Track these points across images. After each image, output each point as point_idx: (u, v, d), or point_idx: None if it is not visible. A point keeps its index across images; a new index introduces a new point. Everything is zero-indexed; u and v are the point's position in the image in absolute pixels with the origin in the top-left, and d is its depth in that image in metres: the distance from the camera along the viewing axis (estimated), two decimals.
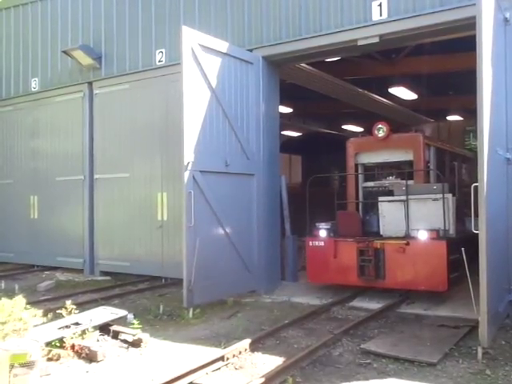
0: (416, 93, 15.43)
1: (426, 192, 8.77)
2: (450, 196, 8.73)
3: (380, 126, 9.84)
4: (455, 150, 12.10)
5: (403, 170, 9.75)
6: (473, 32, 6.04)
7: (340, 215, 9.54)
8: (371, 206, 9.83)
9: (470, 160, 12.70)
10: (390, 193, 9.43)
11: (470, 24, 6.48)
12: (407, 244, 8.38)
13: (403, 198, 8.80)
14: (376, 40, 8.67)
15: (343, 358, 5.99)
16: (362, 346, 6.24)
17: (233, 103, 9.10)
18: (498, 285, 6.40)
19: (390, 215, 9.04)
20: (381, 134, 9.81)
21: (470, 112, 9.95)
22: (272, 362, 5.82)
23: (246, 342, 6.25)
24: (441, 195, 8.46)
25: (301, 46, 9.35)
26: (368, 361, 5.81)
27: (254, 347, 6.25)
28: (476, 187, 5.89)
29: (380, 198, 9.34)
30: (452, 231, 8.77)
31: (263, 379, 5.06)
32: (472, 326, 6.70)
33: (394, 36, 8.67)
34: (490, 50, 6.03)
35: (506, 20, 7.18)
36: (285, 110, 16.05)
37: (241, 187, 9.25)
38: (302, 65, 11.26)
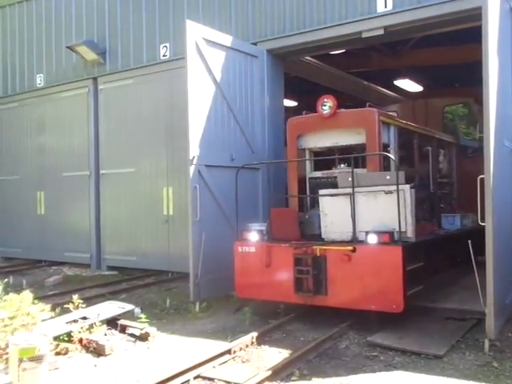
0: (421, 85, 15.35)
1: (377, 183, 6.77)
2: (406, 188, 6.62)
3: (325, 100, 7.69)
4: (430, 131, 9.44)
5: (349, 155, 7.46)
6: (479, 23, 6.00)
7: (273, 213, 7.68)
8: (316, 202, 7.71)
9: (451, 145, 10.35)
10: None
11: (476, 15, 6.43)
12: (353, 251, 6.53)
13: (349, 190, 6.81)
14: (381, 32, 8.63)
15: (350, 350, 6.00)
16: (369, 338, 6.24)
17: (237, 97, 9.09)
18: (504, 277, 6.38)
19: (333, 213, 7.08)
20: (326, 110, 7.63)
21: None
22: (279, 355, 5.84)
23: (253, 335, 6.26)
24: (395, 187, 6.43)
25: (305, 38, 9.32)
26: (375, 353, 5.82)
27: (260, 340, 6.27)
28: (482, 179, 5.85)
29: (320, 192, 7.34)
30: (410, 233, 6.70)
31: (270, 372, 5.08)
32: (479, 319, 6.67)
33: (399, 28, 8.63)
34: (496, 40, 5.98)
35: None
36: (290, 103, 16.01)
37: (246, 181, 9.24)
38: (307, 58, 11.24)
